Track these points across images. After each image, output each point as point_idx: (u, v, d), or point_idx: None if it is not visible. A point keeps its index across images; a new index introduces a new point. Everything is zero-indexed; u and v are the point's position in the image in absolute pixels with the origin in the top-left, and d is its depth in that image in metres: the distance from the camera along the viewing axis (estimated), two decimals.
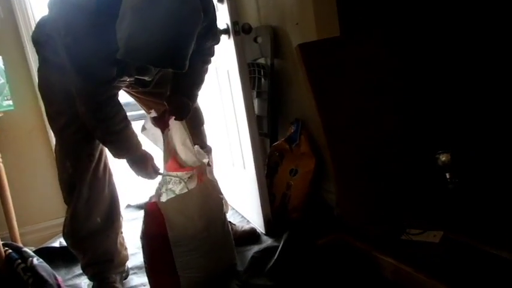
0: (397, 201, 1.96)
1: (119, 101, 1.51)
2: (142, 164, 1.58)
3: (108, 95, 1.43)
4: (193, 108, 1.83)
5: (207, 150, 1.89)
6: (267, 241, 1.89)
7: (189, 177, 1.61)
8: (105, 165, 1.67)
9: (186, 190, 1.60)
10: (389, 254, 1.67)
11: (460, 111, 2.65)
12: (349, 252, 1.88)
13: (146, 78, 1.46)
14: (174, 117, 1.57)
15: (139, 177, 1.63)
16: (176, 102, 1.58)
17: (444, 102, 2.57)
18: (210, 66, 1.67)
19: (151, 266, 1.55)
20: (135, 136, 1.56)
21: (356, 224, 1.86)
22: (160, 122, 1.57)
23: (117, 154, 1.56)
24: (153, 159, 1.63)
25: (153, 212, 1.50)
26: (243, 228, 1.95)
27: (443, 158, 2.06)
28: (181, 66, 1.24)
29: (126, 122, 1.50)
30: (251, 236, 1.92)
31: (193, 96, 1.64)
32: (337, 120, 1.86)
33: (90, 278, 1.73)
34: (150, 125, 1.57)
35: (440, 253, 1.56)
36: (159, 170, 1.62)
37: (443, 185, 2.03)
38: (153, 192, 1.60)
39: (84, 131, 1.52)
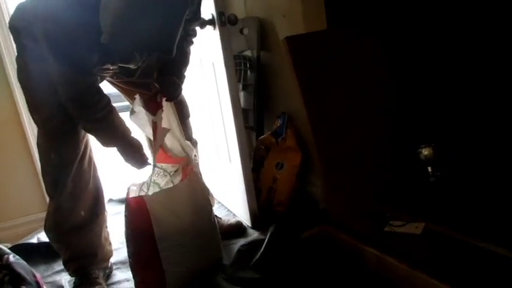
0: (381, 194, 1.99)
1: (100, 89, 1.48)
2: (131, 151, 1.56)
3: (88, 83, 1.39)
4: (179, 99, 1.82)
5: (192, 143, 1.88)
6: (253, 234, 1.89)
7: (175, 171, 1.60)
8: (90, 158, 1.65)
9: (171, 184, 1.59)
10: (373, 245, 1.70)
11: (442, 106, 2.70)
12: (333, 244, 1.91)
13: (131, 66, 1.43)
14: (165, 98, 1.55)
15: (129, 165, 1.61)
16: (168, 82, 1.57)
17: (428, 97, 2.61)
18: (195, 58, 1.66)
19: (136, 261, 1.53)
20: (122, 123, 1.53)
21: (341, 217, 1.88)
22: (152, 104, 1.54)
23: (104, 142, 1.53)
24: (142, 147, 1.61)
25: (138, 207, 1.48)
26: (229, 222, 1.95)
27: (425, 152, 2.10)
28: (169, 51, 1.23)
29: (108, 109, 1.47)
30: (237, 229, 1.92)
31: (182, 77, 1.63)
32: (324, 114, 1.87)
33: (71, 274, 1.69)
34: (139, 109, 1.54)
35: (422, 244, 1.59)
36: (147, 159, 1.60)
37: (425, 178, 2.07)
38: (135, 183, 1.57)
39: (70, 121, 1.49)
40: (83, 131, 1.58)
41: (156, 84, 1.57)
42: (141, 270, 1.54)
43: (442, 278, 1.43)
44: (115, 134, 1.52)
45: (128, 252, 1.54)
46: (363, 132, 1.97)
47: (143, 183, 1.56)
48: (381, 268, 1.68)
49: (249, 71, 2.32)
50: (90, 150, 1.65)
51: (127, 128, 1.56)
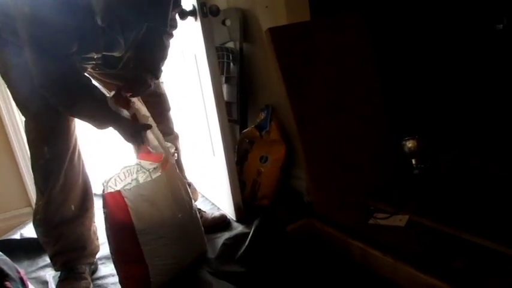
0: (366, 186, 1.99)
1: (78, 73, 1.43)
2: (127, 125, 1.52)
3: (63, 70, 1.34)
4: (160, 92, 1.78)
5: (174, 136, 1.86)
6: (238, 228, 1.88)
7: (154, 168, 1.57)
8: (79, 153, 1.63)
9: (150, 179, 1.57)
10: (358, 238, 1.70)
11: (427, 97, 2.72)
12: (318, 237, 1.91)
13: (115, 54, 1.40)
14: (129, 94, 1.52)
15: (131, 142, 1.59)
16: (132, 78, 1.53)
17: (413, 88, 2.63)
18: (176, 50, 1.63)
19: (118, 256, 1.51)
20: (105, 98, 1.48)
21: (325, 210, 1.88)
22: (120, 100, 1.51)
23: (96, 122, 1.48)
24: (137, 118, 1.57)
25: (115, 201, 1.45)
26: (213, 215, 1.94)
27: (409, 144, 2.12)
28: (163, 21, 1.22)
29: (88, 89, 1.42)
30: (221, 222, 1.91)
31: (158, 71, 1.60)
32: (308, 107, 1.86)
33: (57, 268, 1.67)
34: (113, 107, 1.51)
35: (406, 236, 1.60)
36: (145, 136, 1.56)
37: (409, 170, 2.08)
38: (110, 177, 1.54)
39: (61, 114, 1.46)
40: (73, 124, 1.55)
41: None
42: (124, 265, 1.52)
43: (426, 270, 1.44)
44: (103, 111, 1.46)
45: (110, 248, 1.52)
46: (348, 124, 1.96)
47: (116, 176, 1.53)
48: (365, 260, 1.68)
49: (231, 63, 2.29)
50: (78, 144, 1.63)
51: (116, 107, 1.52)
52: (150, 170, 1.57)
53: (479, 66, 2.96)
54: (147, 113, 1.59)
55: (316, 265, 1.90)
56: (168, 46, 1.62)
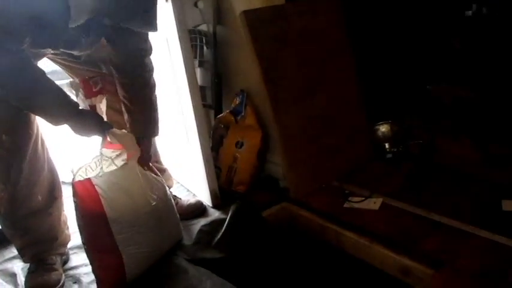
0: (341, 171, 2.01)
1: (29, 65, 1.32)
2: (93, 119, 1.44)
3: (14, 63, 1.24)
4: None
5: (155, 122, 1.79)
6: (214, 214, 1.87)
7: (116, 155, 1.52)
8: (43, 141, 1.55)
9: (114, 167, 1.52)
10: (333, 221, 1.72)
11: (401, 84, 2.76)
12: (295, 222, 1.92)
13: (74, 53, 1.34)
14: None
15: (90, 135, 1.47)
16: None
17: (386, 74, 2.66)
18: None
19: (91, 246, 1.47)
20: (60, 92, 1.38)
21: (301, 194, 1.89)
22: (89, 86, 1.46)
23: (50, 117, 1.38)
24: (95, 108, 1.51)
25: (86, 190, 1.41)
26: (188, 202, 1.91)
27: (383, 128, 2.15)
28: (151, 23, 1.23)
29: (41, 83, 1.32)
30: (197, 209, 1.89)
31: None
32: (283, 91, 1.85)
33: (27, 260, 1.62)
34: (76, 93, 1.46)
35: (380, 219, 1.63)
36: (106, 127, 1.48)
37: (383, 154, 2.12)
38: (79, 166, 1.46)
39: None
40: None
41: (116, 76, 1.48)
42: (97, 254, 1.48)
43: (399, 251, 1.47)
44: (60, 105, 1.37)
45: (82, 238, 1.47)
46: (322, 108, 1.97)
47: (87, 165, 1.48)
48: (340, 243, 1.71)
49: (205, 47, 2.24)
50: (41, 133, 1.55)
51: (71, 100, 1.42)
52: (113, 158, 1.51)
53: (450, 51, 3.01)
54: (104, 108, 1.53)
55: (293, 249, 1.92)
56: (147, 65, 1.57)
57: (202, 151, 1.85)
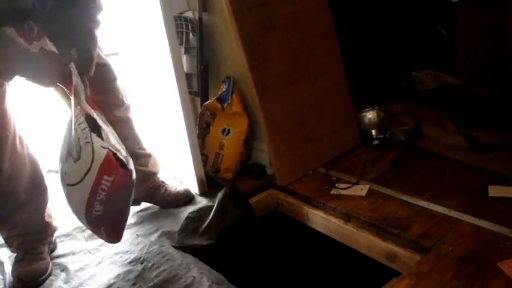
0: (327, 157, 2.02)
1: None
2: (53, 64, 1.24)
3: None
4: (101, 63, 1.56)
5: (125, 108, 1.71)
6: (202, 201, 1.86)
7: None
8: (21, 139, 1.51)
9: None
10: (320, 208, 1.73)
11: (386, 69, 2.76)
12: (281, 209, 1.93)
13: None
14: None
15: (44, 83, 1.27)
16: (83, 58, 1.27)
17: (372, 60, 2.66)
18: (131, 20, 1.51)
19: (120, 221, 1.44)
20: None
21: (288, 181, 1.90)
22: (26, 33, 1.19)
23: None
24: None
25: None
26: (176, 190, 1.90)
27: (369, 115, 2.15)
28: None
29: None
30: (186, 197, 1.88)
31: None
32: (269, 76, 1.84)
33: (14, 249, 1.59)
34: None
35: (367, 205, 1.64)
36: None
37: (369, 140, 2.13)
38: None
39: None
40: (8, 108, 1.40)
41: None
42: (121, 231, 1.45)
43: (386, 237, 1.49)
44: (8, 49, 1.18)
45: (107, 214, 1.35)
46: (308, 94, 1.96)
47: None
48: (327, 230, 1.72)
49: (191, 34, 2.21)
50: (17, 128, 1.50)
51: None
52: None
53: (436, 38, 3.02)
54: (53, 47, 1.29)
55: (279, 236, 1.93)
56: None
57: (188, 138, 1.83)
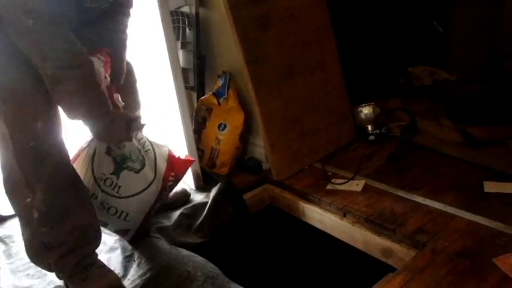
0: (323, 152, 2.02)
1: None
2: (120, 121, 1.32)
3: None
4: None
5: (138, 107, 1.73)
6: (196, 196, 1.86)
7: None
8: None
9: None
10: (316, 203, 1.73)
11: (382, 65, 2.76)
12: (277, 204, 1.93)
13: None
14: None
15: (109, 139, 1.35)
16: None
17: (369, 56, 2.65)
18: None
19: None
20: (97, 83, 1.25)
21: (284, 176, 1.89)
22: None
23: (77, 104, 1.21)
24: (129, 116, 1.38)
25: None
26: (174, 190, 1.88)
27: (365, 110, 2.15)
28: None
29: (86, 56, 1.20)
30: (183, 197, 1.86)
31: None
32: (265, 72, 1.83)
33: (69, 271, 1.32)
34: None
35: (363, 200, 1.64)
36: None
37: (365, 136, 2.13)
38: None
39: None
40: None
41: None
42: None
43: (381, 233, 1.49)
44: (96, 91, 1.23)
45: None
46: (305, 90, 1.96)
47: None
48: (323, 225, 1.72)
49: (187, 29, 2.20)
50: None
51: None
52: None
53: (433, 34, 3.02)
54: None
55: (276, 231, 1.93)
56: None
57: (184, 133, 1.83)
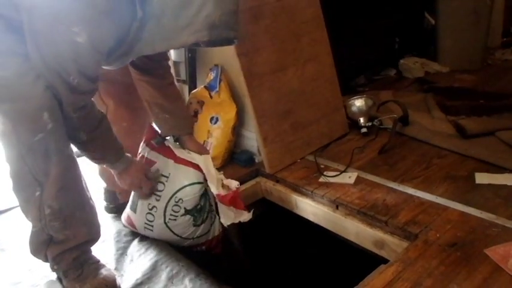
0: (316, 145, 2.02)
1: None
2: (132, 172, 1.39)
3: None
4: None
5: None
6: None
7: None
8: None
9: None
10: (308, 196, 1.73)
11: (374, 57, 2.76)
12: (270, 197, 1.93)
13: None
14: None
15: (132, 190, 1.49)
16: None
17: (361, 48, 2.65)
18: None
19: None
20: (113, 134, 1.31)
21: (276, 169, 1.89)
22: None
23: (101, 154, 1.31)
24: (144, 167, 1.45)
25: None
26: None
27: (357, 103, 2.15)
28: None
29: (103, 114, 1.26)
30: None
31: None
32: (257, 66, 1.82)
33: (66, 266, 1.32)
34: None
35: (355, 193, 1.64)
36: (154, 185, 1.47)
37: (358, 128, 2.13)
38: None
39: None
40: None
41: None
42: None
43: (374, 224, 1.50)
44: (113, 142, 1.31)
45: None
46: (297, 82, 1.95)
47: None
48: (316, 218, 1.72)
49: None
50: None
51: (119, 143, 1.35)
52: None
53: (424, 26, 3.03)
54: None
55: (268, 225, 1.93)
56: None
57: None
